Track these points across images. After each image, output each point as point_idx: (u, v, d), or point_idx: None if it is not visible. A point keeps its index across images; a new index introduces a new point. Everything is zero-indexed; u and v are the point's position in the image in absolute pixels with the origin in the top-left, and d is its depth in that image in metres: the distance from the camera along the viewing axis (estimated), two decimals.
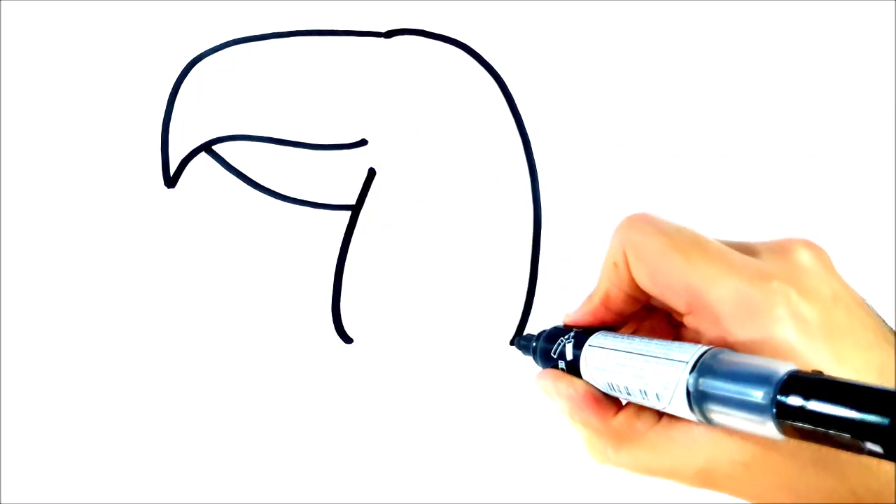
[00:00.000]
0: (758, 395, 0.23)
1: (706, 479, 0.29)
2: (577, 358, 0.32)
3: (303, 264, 0.46)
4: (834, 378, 0.23)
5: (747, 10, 0.49)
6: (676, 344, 0.28)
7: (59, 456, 0.43)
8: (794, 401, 0.23)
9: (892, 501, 0.27)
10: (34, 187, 0.45)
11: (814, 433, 0.22)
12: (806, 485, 0.28)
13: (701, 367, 0.26)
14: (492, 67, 0.48)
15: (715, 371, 0.26)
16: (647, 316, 0.33)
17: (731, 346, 0.27)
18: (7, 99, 0.46)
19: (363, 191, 0.47)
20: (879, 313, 0.30)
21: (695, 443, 0.28)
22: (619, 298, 0.32)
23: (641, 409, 0.30)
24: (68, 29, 0.46)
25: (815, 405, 0.22)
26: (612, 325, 0.34)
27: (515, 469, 0.45)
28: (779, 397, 0.23)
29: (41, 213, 0.45)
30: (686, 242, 0.29)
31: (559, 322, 0.35)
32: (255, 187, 0.46)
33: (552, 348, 0.34)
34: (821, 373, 0.23)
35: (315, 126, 0.47)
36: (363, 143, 0.47)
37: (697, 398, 0.26)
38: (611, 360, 0.30)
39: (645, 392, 0.28)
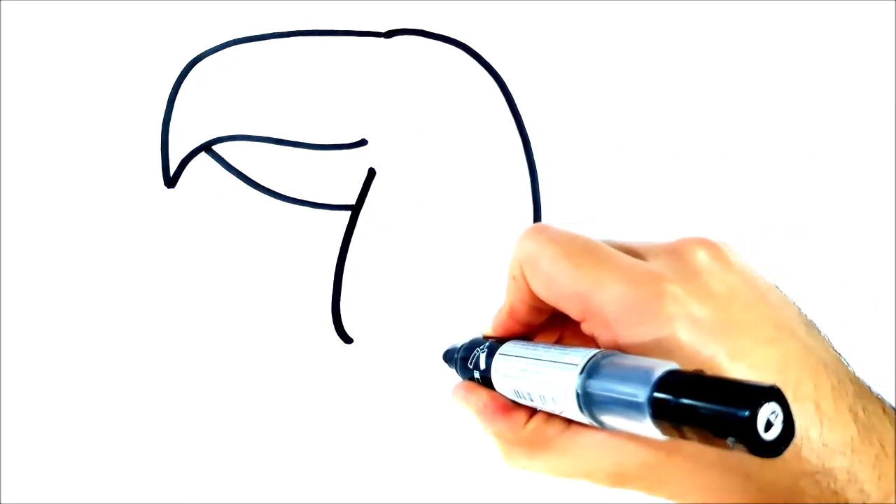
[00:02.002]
0: (636, 394, 0.23)
1: (619, 480, 0.29)
2: (489, 367, 0.33)
3: (303, 264, 0.46)
4: (707, 375, 0.23)
5: (747, 10, 0.49)
6: (573, 349, 0.28)
7: (59, 456, 0.43)
8: (668, 399, 0.23)
9: (802, 499, 0.27)
10: (34, 187, 0.45)
11: (691, 431, 0.22)
12: (713, 484, 0.28)
13: (588, 370, 0.26)
14: (492, 67, 0.48)
15: (601, 373, 0.26)
16: (568, 324, 0.34)
17: (624, 350, 0.27)
18: (7, 99, 0.46)
19: (363, 191, 0.47)
20: (794, 304, 0.30)
21: (601, 447, 0.29)
22: (522, 311, 0.33)
23: (551, 416, 0.30)
24: (68, 29, 0.46)
25: (685, 402, 0.22)
26: (525, 335, 0.34)
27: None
28: (655, 395, 0.23)
29: (41, 213, 0.45)
30: (576, 249, 0.30)
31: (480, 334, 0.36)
32: (255, 187, 0.46)
33: (469, 359, 0.35)
34: (702, 371, 0.23)
35: (315, 126, 0.47)
36: (363, 143, 0.47)
37: (586, 401, 0.26)
38: (516, 367, 0.31)
39: (544, 397, 0.29)
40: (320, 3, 0.47)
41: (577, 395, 0.26)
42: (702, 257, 0.30)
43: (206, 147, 0.46)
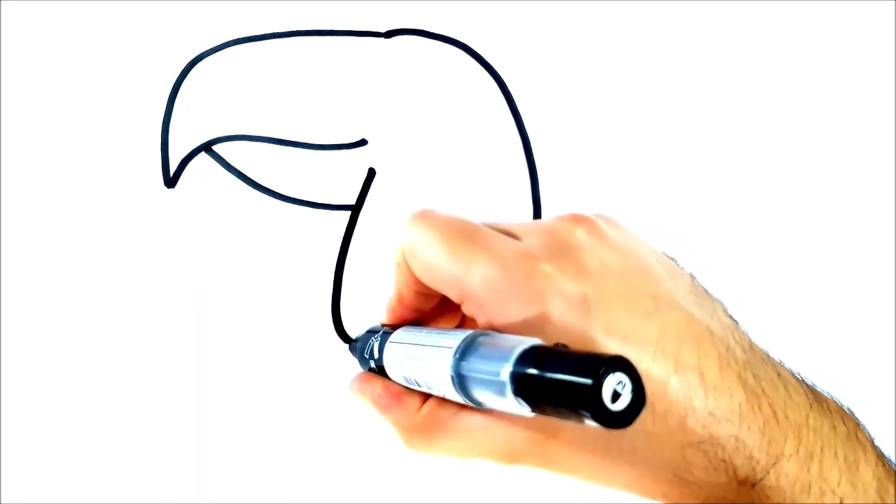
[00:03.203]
0: (499, 371, 0.24)
1: (513, 458, 0.29)
2: (381, 356, 0.33)
3: (303, 264, 0.46)
4: (562, 349, 0.23)
5: (747, 10, 0.49)
6: (452, 332, 0.28)
7: (60, 456, 0.43)
8: (525, 374, 0.23)
9: (690, 469, 0.27)
10: (34, 187, 0.45)
11: (549, 406, 0.22)
12: (600, 460, 0.28)
13: (462, 352, 0.26)
14: (492, 67, 0.48)
15: (472, 354, 0.26)
16: None
17: (499, 330, 0.27)
18: (7, 99, 0.46)
19: (363, 191, 0.47)
20: (685, 274, 0.30)
21: (491, 427, 0.29)
22: (409, 296, 0.33)
23: (444, 400, 0.30)
24: (68, 29, 0.46)
25: (538, 376, 0.22)
26: (418, 320, 0.34)
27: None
28: (514, 371, 0.23)
29: (41, 213, 0.45)
30: (453, 232, 0.30)
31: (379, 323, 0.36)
32: (255, 187, 0.46)
33: (365, 349, 0.35)
34: (564, 346, 0.23)
35: (315, 126, 0.47)
36: (363, 143, 0.47)
37: (460, 383, 0.26)
38: (403, 354, 0.31)
39: (428, 382, 0.29)
40: (320, 3, 0.47)
41: (452, 377, 0.26)
42: (578, 234, 0.30)
43: (206, 147, 0.46)
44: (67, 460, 0.43)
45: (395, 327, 0.34)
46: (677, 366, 0.27)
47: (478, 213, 0.47)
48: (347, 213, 0.46)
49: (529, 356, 0.23)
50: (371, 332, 0.36)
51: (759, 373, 0.28)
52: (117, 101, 0.46)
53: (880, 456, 0.29)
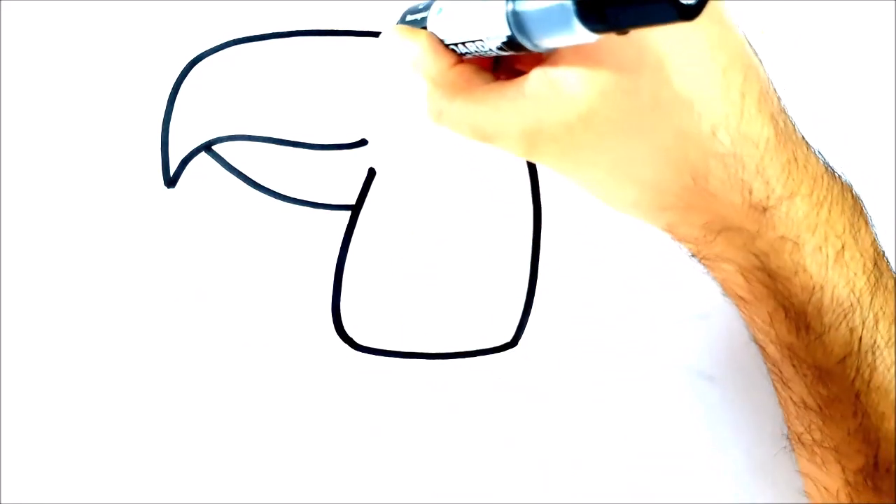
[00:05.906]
0: None
1: (530, 142, 0.30)
2: (428, 6, 0.34)
3: (303, 264, 0.46)
4: None
5: (748, 10, 0.49)
6: None
7: (59, 456, 0.43)
8: None
9: (708, 178, 0.28)
10: (34, 187, 0.45)
11: (617, 12, 0.23)
12: (626, 152, 0.29)
13: None
14: None
15: None
16: None
17: None
18: (7, 99, 0.46)
19: (363, 191, 0.47)
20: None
21: (525, 100, 0.29)
22: None
23: (480, 68, 0.31)
24: (68, 29, 0.46)
25: None
26: None
27: (516, 471, 0.45)
28: None
29: (41, 213, 0.45)
30: None
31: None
32: (255, 187, 0.46)
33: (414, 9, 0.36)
34: None
35: (315, 126, 0.47)
36: (363, 143, 0.47)
37: (517, 23, 0.27)
38: (450, 6, 0.32)
39: (476, 29, 0.29)
40: (320, 3, 0.47)
41: (508, 17, 0.27)
42: None
43: (206, 147, 0.46)
44: (67, 460, 0.44)
45: None
46: (723, 78, 0.28)
47: (477, 212, 0.47)
48: (347, 213, 0.46)
49: None
50: None
51: (788, 123, 0.30)
52: (117, 101, 0.46)
53: (875, 236, 0.32)
